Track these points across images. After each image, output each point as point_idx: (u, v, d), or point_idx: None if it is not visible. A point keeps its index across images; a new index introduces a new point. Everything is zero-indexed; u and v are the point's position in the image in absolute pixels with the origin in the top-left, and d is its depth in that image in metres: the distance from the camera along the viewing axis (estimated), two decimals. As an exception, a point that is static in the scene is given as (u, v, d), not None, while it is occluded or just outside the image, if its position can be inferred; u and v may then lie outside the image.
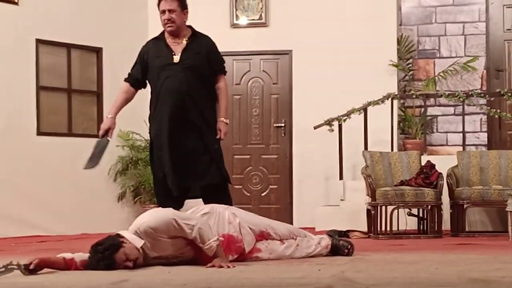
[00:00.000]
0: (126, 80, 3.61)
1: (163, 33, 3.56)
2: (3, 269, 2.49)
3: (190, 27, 3.56)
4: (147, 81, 3.61)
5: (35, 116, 5.75)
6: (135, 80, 3.57)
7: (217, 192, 3.50)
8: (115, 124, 3.57)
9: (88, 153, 3.59)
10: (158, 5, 3.53)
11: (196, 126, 3.46)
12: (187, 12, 3.54)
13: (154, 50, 3.52)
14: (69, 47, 5.97)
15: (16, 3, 5.62)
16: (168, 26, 3.46)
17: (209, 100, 3.54)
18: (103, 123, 3.59)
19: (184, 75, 3.43)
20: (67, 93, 6.04)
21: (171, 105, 3.45)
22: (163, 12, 3.47)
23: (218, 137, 3.52)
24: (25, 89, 5.71)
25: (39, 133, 5.79)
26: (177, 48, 3.48)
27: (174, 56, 3.46)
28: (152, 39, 3.60)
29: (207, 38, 3.58)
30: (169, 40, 3.51)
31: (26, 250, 4.13)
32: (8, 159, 5.54)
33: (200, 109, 3.48)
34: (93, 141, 6.11)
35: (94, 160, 3.52)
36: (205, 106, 3.50)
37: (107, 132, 3.55)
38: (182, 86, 3.43)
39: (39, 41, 5.76)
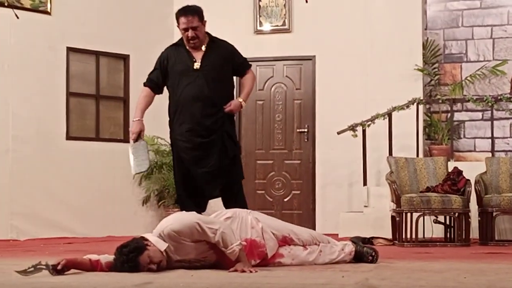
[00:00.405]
0: (146, 84, 3.65)
1: (182, 39, 3.60)
2: (32, 269, 2.56)
3: (207, 33, 3.60)
4: (165, 87, 3.65)
5: (64, 121, 5.91)
6: (156, 85, 3.61)
7: (234, 192, 3.52)
8: (144, 126, 3.60)
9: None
10: (178, 18, 3.54)
11: (216, 132, 3.47)
12: (205, 22, 3.58)
13: (174, 56, 3.55)
14: (97, 54, 6.13)
15: (49, 13, 5.79)
16: (191, 44, 3.50)
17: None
18: (133, 127, 3.59)
19: (205, 81, 3.46)
20: (95, 99, 6.17)
21: (192, 111, 3.47)
22: (185, 29, 3.50)
23: (225, 108, 3.50)
24: (55, 95, 5.87)
25: (68, 137, 5.93)
26: (197, 54, 3.52)
27: (194, 63, 3.49)
28: (172, 45, 3.64)
29: (225, 43, 3.61)
30: (189, 46, 3.55)
31: (54, 251, 4.22)
32: (38, 162, 5.69)
33: (221, 115, 3.49)
34: (120, 145, 6.29)
35: (141, 163, 3.53)
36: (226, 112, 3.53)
37: (139, 135, 3.57)
38: (203, 92, 3.46)
39: (69, 49, 5.94)
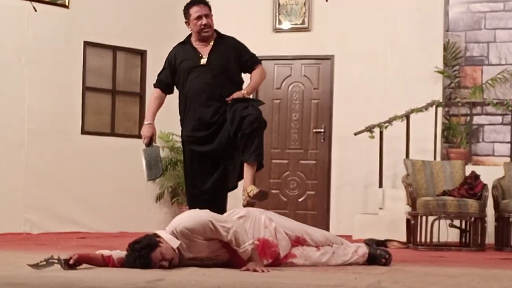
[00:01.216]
0: (156, 86, 3.63)
1: (189, 37, 3.58)
2: (44, 262, 2.57)
3: (215, 30, 3.58)
4: (175, 86, 3.64)
5: (80, 116, 5.92)
6: (166, 85, 3.59)
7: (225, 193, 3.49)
8: (155, 129, 3.59)
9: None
10: (188, 10, 3.52)
11: (224, 128, 3.42)
12: (213, 16, 3.57)
13: (182, 54, 3.54)
14: (115, 49, 6.13)
15: (67, 7, 5.81)
16: (205, 31, 3.48)
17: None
18: (145, 131, 3.57)
19: (212, 76, 3.44)
20: (111, 94, 6.19)
21: (199, 107, 3.45)
22: (199, 17, 3.47)
23: (227, 99, 3.41)
24: (71, 89, 5.89)
25: (83, 132, 5.95)
26: (204, 50, 3.50)
27: (201, 58, 3.48)
28: (179, 43, 3.61)
29: (231, 38, 3.58)
30: (196, 43, 3.53)
31: (66, 245, 4.25)
32: (53, 156, 5.72)
33: (224, 109, 3.42)
34: (135, 141, 6.30)
35: (154, 169, 3.50)
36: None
37: (151, 139, 3.57)
38: (211, 87, 3.44)
39: (87, 43, 5.94)
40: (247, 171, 3.25)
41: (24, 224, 5.53)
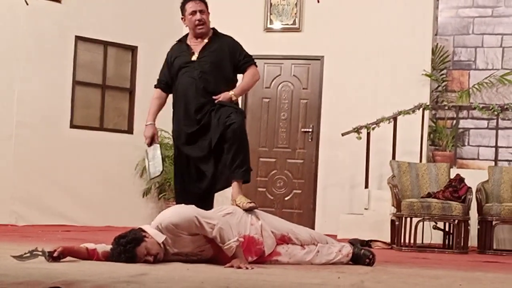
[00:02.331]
0: (156, 86, 3.63)
1: (186, 35, 3.57)
2: (28, 254, 2.57)
3: (212, 28, 3.57)
4: None
5: (69, 110, 5.91)
6: (165, 85, 3.58)
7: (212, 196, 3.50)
8: (156, 130, 3.59)
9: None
10: (184, 5, 3.51)
11: (207, 135, 3.41)
12: (209, 14, 3.55)
13: (177, 52, 3.54)
14: (106, 44, 6.12)
15: (59, 1, 5.79)
16: (200, 28, 3.46)
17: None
18: (146, 131, 3.57)
19: (200, 72, 3.42)
20: (101, 89, 6.17)
21: (185, 101, 3.44)
22: (193, 13, 3.46)
23: (215, 98, 3.39)
24: (62, 83, 5.88)
25: (72, 126, 5.94)
26: (197, 47, 3.48)
27: (193, 55, 3.46)
28: (176, 42, 3.61)
29: (228, 37, 3.56)
30: (191, 41, 3.52)
31: (51, 238, 4.23)
32: (41, 149, 5.71)
33: (209, 109, 3.40)
34: (123, 136, 6.29)
35: (157, 167, 3.53)
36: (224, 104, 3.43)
37: (153, 139, 3.57)
38: (197, 82, 3.42)
39: (78, 38, 5.93)
40: (235, 184, 3.27)
41: (10, 216, 5.51)
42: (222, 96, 3.40)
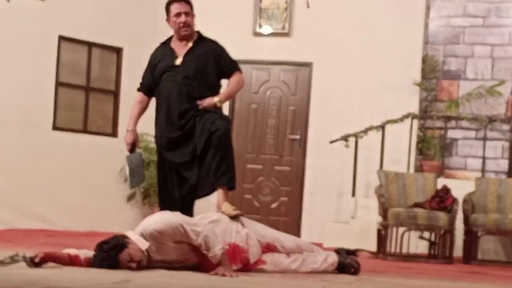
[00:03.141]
0: (138, 89, 3.58)
1: (170, 38, 3.53)
2: (9, 259, 2.51)
3: (197, 31, 3.52)
4: None
5: (52, 111, 5.80)
6: (148, 88, 3.53)
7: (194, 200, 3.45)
8: (138, 136, 3.54)
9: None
10: (169, 7, 3.47)
11: (192, 140, 3.36)
12: (195, 16, 3.51)
13: (160, 54, 3.49)
14: (90, 45, 6.03)
15: (42, -1, 5.68)
16: (184, 30, 3.42)
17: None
18: (126, 138, 3.52)
19: (183, 77, 3.38)
20: (85, 91, 6.08)
21: (168, 106, 3.39)
22: (178, 14, 3.42)
23: (198, 103, 3.33)
24: (44, 84, 5.76)
25: (55, 128, 5.83)
26: (181, 51, 3.44)
27: (176, 59, 3.42)
28: (160, 44, 3.56)
29: (213, 42, 3.51)
30: (175, 44, 3.47)
31: (33, 242, 4.15)
32: (22, 151, 5.58)
33: (193, 114, 3.36)
34: (108, 140, 6.18)
35: (137, 176, 3.47)
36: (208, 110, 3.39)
37: (134, 145, 3.50)
38: (180, 87, 3.37)
39: (61, 38, 5.82)
40: (220, 191, 3.23)
41: (-12, 219, 5.38)
42: (206, 102, 3.36)
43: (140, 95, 3.55)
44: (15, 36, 5.54)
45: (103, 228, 5.57)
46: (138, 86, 3.59)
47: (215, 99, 3.38)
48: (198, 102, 3.36)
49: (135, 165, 3.46)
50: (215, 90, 3.46)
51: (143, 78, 3.57)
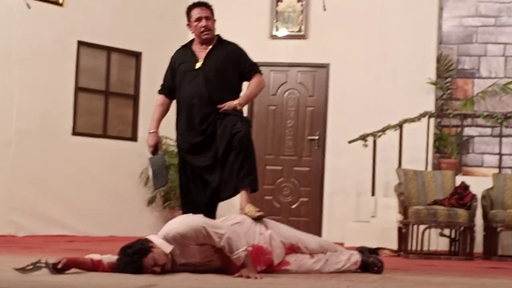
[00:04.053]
0: (160, 92, 3.59)
1: (191, 41, 3.55)
2: (31, 266, 2.49)
3: (217, 35, 3.53)
4: None
5: (71, 116, 5.83)
6: (169, 90, 3.55)
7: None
8: (160, 138, 3.55)
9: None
10: (190, 12, 3.49)
11: (213, 144, 3.37)
12: (215, 21, 3.52)
13: (181, 57, 3.51)
14: (109, 50, 6.07)
15: (61, 5, 5.72)
16: (205, 34, 3.43)
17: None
18: (149, 140, 3.53)
19: (204, 80, 3.39)
20: (104, 95, 6.12)
21: (188, 110, 3.40)
22: (199, 19, 3.44)
23: (219, 107, 3.35)
24: (63, 89, 5.80)
25: (75, 133, 5.85)
26: (202, 54, 3.46)
27: (197, 62, 3.44)
28: (181, 47, 3.58)
29: (233, 45, 3.52)
30: (196, 47, 3.50)
31: (54, 248, 4.16)
32: (41, 157, 5.59)
33: (214, 118, 3.37)
34: (127, 144, 6.24)
35: (160, 177, 3.48)
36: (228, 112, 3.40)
37: (156, 147, 3.53)
38: (200, 91, 3.39)
39: (80, 43, 5.87)
40: (242, 193, 3.24)
41: (9, 226, 5.36)
42: (227, 105, 3.37)
43: (161, 98, 3.57)
44: (35, 43, 5.59)
45: (123, 233, 5.58)
46: (159, 88, 3.61)
47: (235, 102, 3.39)
48: (219, 106, 3.37)
49: (158, 167, 3.48)
50: (236, 93, 3.47)
51: (164, 81, 3.58)
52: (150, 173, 3.51)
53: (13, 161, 5.45)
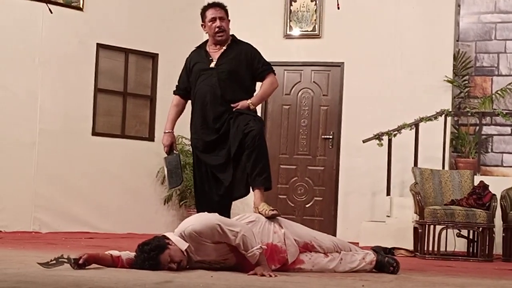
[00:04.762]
0: (175, 92, 3.64)
1: (205, 42, 3.59)
2: (54, 261, 2.59)
3: (231, 35, 3.57)
4: None
5: (91, 117, 5.96)
6: (184, 91, 3.59)
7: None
8: (175, 138, 3.60)
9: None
10: (204, 12, 3.53)
11: (227, 143, 3.39)
12: (229, 21, 3.56)
13: (196, 57, 3.55)
14: (127, 52, 6.17)
15: (81, 9, 5.86)
16: (219, 36, 3.47)
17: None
18: (164, 140, 3.58)
19: (218, 79, 3.42)
20: (122, 96, 6.22)
21: (202, 109, 3.44)
22: (213, 19, 3.47)
23: (233, 106, 3.38)
24: (83, 91, 5.93)
25: (94, 133, 5.98)
26: (216, 54, 3.49)
27: (211, 62, 3.47)
28: (195, 48, 3.62)
29: (247, 45, 3.55)
30: (210, 48, 3.53)
31: (75, 245, 4.27)
32: (63, 157, 5.76)
33: (228, 117, 3.40)
34: (145, 144, 6.32)
35: (175, 177, 3.52)
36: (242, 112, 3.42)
37: (171, 147, 3.57)
38: (214, 90, 3.42)
39: (99, 46, 5.99)
40: (256, 192, 3.26)
41: (33, 223, 5.56)
42: (240, 105, 3.40)
43: (176, 98, 3.62)
44: (57, 46, 5.74)
45: (141, 230, 5.71)
46: (174, 89, 3.66)
47: (248, 101, 3.41)
48: (232, 105, 3.40)
49: (173, 167, 3.52)
50: (249, 93, 3.50)
51: (179, 81, 3.62)
52: (166, 172, 3.56)
53: (37, 160, 5.62)
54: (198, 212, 3.30)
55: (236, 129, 3.34)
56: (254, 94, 3.53)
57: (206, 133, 3.44)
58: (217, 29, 3.47)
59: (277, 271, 2.81)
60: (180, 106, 3.62)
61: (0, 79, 5.49)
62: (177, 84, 3.65)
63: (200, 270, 2.73)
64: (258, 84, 3.58)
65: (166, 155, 3.58)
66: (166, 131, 3.58)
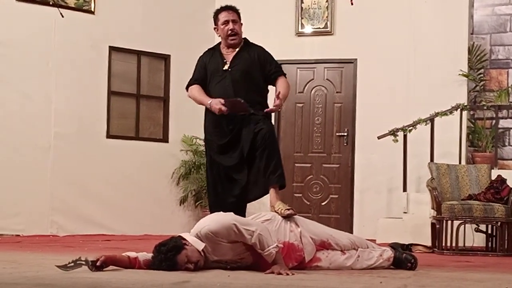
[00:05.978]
0: (192, 83, 3.58)
1: (218, 44, 3.60)
2: (72, 264, 2.61)
3: (244, 38, 3.59)
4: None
5: (105, 120, 6.00)
6: (202, 81, 3.55)
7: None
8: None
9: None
10: (217, 16, 3.54)
11: (240, 144, 3.40)
12: (242, 24, 3.57)
13: (209, 58, 3.57)
14: (139, 54, 6.21)
15: (92, 12, 5.91)
16: (232, 39, 3.49)
17: (259, 105, 3.47)
18: (214, 104, 3.36)
19: (231, 81, 3.44)
20: (135, 98, 6.26)
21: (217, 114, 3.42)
22: (226, 22, 3.49)
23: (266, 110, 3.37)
24: (97, 94, 5.98)
25: (109, 136, 6.03)
26: (229, 56, 3.52)
27: (225, 64, 3.49)
28: (208, 49, 3.64)
29: (259, 47, 3.57)
30: (223, 50, 3.55)
31: (92, 247, 4.31)
32: (79, 160, 5.80)
33: (240, 118, 3.40)
34: (159, 145, 6.35)
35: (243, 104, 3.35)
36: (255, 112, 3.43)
37: (226, 104, 3.37)
38: (228, 93, 3.43)
39: (112, 48, 6.03)
40: (272, 191, 3.27)
41: (51, 226, 5.62)
42: (275, 106, 3.38)
43: (195, 86, 3.53)
44: (70, 49, 5.79)
45: (157, 231, 5.74)
46: (189, 82, 3.58)
47: (278, 102, 3.38)
48: (266, 110, 3.41)
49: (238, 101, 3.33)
50: (262, 94, 3.52)
51: (194, 75, 3.58)
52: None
53: (52, 164, 5.67)
54: (211, 213, 3.32)
55: (247, 130, 3.36)
56: (267, 94, 3.55)
57: (219, 135, 3.47)
58: (230, 32, 3.49)
59: (294, 269, 2.81)
60: (201, 88, 3.52)
61: (14, 84, 5.56)
62: (191, 78, 3.61)
63: (217, 270, 2.74)
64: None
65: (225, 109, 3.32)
66: (209, 101, 3.41)
